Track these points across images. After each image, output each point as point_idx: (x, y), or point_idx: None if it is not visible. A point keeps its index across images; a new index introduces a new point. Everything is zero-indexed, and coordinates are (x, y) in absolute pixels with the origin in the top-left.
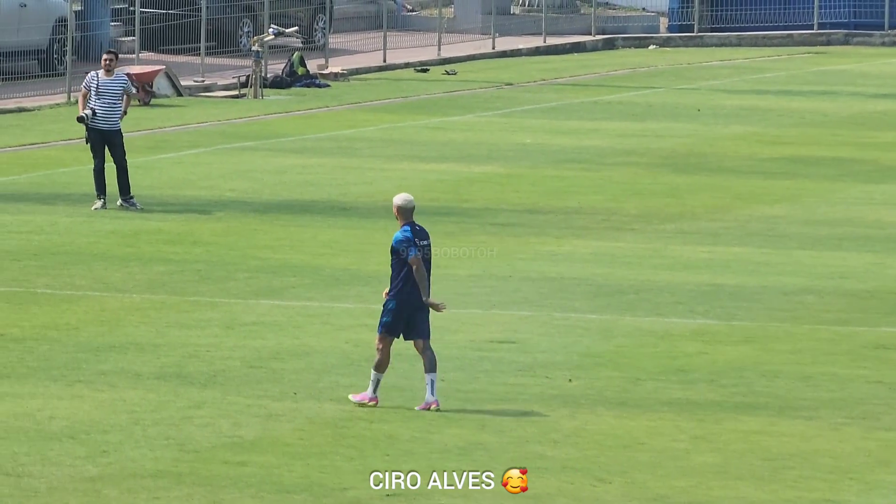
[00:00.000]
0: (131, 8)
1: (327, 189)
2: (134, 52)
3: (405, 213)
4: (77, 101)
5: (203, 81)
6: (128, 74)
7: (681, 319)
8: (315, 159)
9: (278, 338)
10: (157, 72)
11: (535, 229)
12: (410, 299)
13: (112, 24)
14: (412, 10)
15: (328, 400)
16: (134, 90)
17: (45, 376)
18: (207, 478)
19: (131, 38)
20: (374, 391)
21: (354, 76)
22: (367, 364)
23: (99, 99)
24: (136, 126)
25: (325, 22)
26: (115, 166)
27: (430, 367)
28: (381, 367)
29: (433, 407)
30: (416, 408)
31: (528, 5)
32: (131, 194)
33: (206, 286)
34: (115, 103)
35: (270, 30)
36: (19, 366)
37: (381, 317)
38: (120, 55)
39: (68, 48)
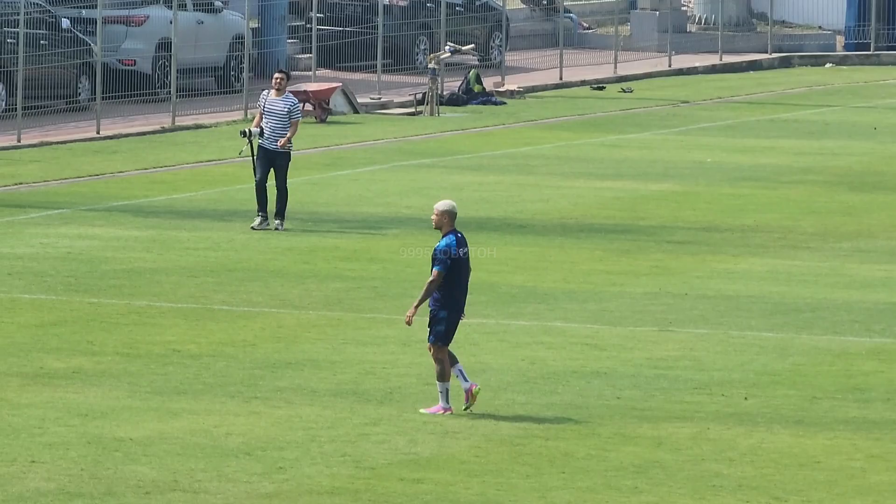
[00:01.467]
0: (308, 25)
1: (503, 206)
2: (311, 70)
3: (453, 218)
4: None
5: (379, 99)
6: (305, 92)
7: (857, 338)
8: (491, 176)
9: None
10: (333, 89)
11: (711, 247)
12: (459, 306)
13: (289, 41)
14: (588, 28)
15: (504, 417)
16: (299, 116)
17: (222, 393)
18: (383, 495)
19: (308, 55)
20: (447, 401)
21: (530, 94)
22: (543, 382)
23: (267, 118)
24: (312, 143)
25: (501, 39)
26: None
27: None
28: (445, 376)
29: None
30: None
31: (705, 23)
32: (284, 218)
33: (382, 303)
34: (281, 123)
35: (447, 47)
36: (196, 382)
37: (435, 326)
38: (296, 72)
39: (245, 65)
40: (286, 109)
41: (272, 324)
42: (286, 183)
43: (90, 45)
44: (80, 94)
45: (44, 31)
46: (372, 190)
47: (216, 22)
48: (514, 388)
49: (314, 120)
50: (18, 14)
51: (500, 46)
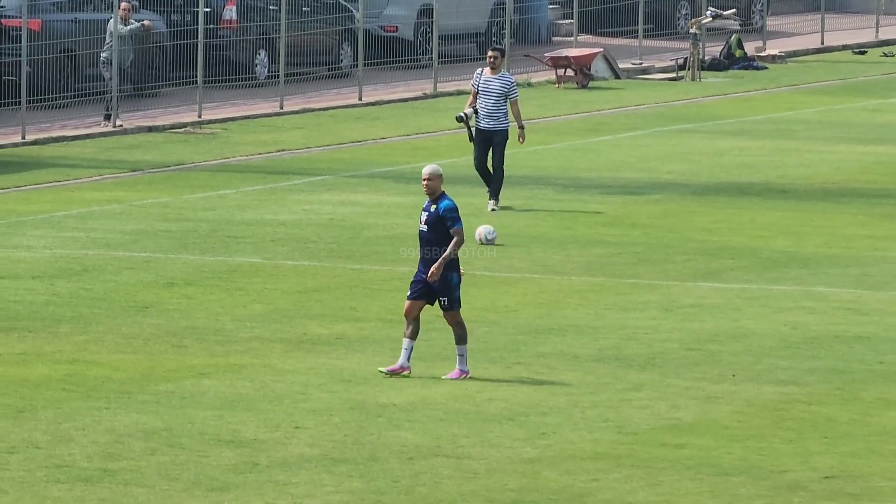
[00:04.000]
0: None
1: (765, 171)
2: (572, 35)
3: (442, 181)
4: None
5: (641, 64)
6: (567, 57)
7: None
8: (752, 142)
9: (716, 320)
10: (595, 54)
11: None
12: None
13: (550, 6)
14: None
15: (766, 382)
16: (517, 95)
17: (485, 358)
18: (646, 460)
19: (569, 21)
20: (466, 364)
21: (792, 58)
22: (805, 346)
23: (482, 97)
24: (573, 109)
25: (762, 4)
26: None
27: (413, 335)
28: (465, 339)
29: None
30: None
31: None
32: (499, 199)
33: (643, 268)
34: (497, 102)
35: (708, 12)
36: None
37: (452, 294)
38: (558, 38)
39: (506, 31)
40: (501, 89)
41: (534, 289)
42: (503, 162)
43: (352, 11)
44: (342, 61)
45: None
46: (633, 155)
47: None
48: (776, 353)
49: (575, 85)
50: None
51: (762, 11)
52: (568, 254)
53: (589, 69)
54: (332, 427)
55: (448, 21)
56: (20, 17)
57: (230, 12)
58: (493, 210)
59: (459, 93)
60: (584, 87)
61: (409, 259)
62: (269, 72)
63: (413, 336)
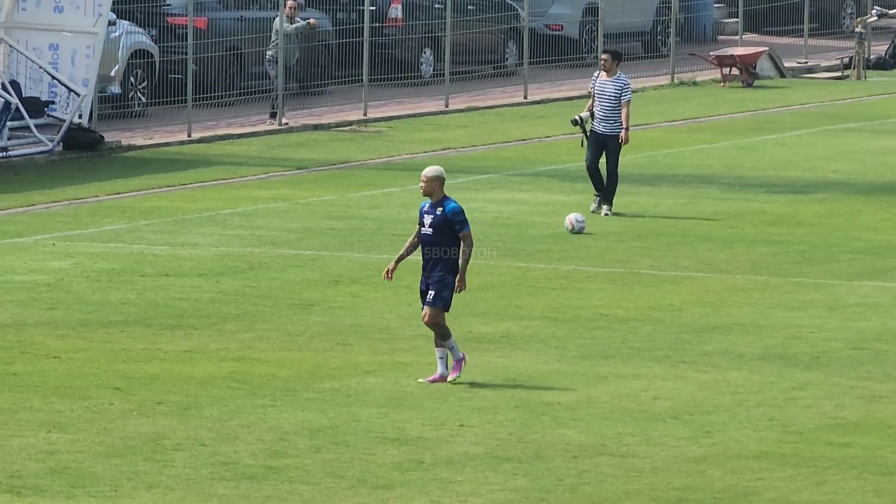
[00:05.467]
0: None
1: None
2: (737, 34)
3: (443, 183)
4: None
5: (806, 63)
6: (732, 56)
7: None
8: None
9: (882, 319)
10: (760, 53)
11: None
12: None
13: (716, 5)
14: None
15: None
16: (629, 97)
17: (649, 357)
18: (811, 459)
19: (735, 19)
20: (446, 367)
21: None
22: None
23: (598, 100)
24: (738, 107)
25: None
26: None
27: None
28: (448, 336)
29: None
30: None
31: None
32: (612, 204)
33: (809, 267)
34: (611, 106)
35: (874, 11)
36: (623, 346)
37: (442, 291)
38: (723, 36)
39: (671, 30)
40: (616, 91)
41: (699, 288)
42: (617, 167)
43: (517, 10)
44: (507, 59)
45: None
46: (798, 154)
47: None
48: None
49: (740, 84)
50: None
51: None
52: (733, 252)
53: (754, 68)
54: (496, 425)
55: (613, 19)
56: (186, 16)
57: (396, 10)
58: (605, 215)
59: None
60: (750, 85)
61: (574, 257)
62: (434, 70)
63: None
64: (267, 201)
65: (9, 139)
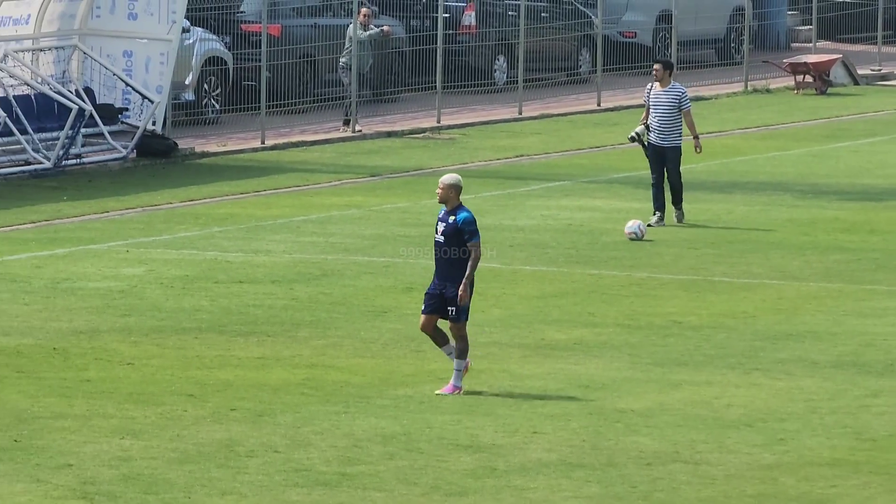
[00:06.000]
0: None
1: None
2: (811, 41)
3: (459, 192)
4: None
5: (880, 70)
6: (805, 63)
7: None
8: None
9: None
10: (833, 61)
11: None
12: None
13: (789, 13)
14: None
15: None
16: (689, 105)
17: (722, 364)
18: (884, 466)
19: (808, 27)
20: (460, 380)
21: None
22: None
23: (653, 112)
24: (812, 115)
25: None
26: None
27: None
28: (466, 354)
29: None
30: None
31: None
32: (663, 215)
33: (882, 275)
34: (667, 117)
35: None
36: (696, 353)
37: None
38: (797, 44)
39: (745, 37)
40: (672, 102)
41: (772, 295)
42: (680, 177)
43: (591, 17)
44: (580, 66)
45: (545, 4)
46: (872, 161)
47: None
48: None
49: (814, 91)
50: None
51: None
52: (806, 260)
53: (828, 75)
54: (569, 432)
55: (687, 27)
56: (260, 23)
57: (469, 18)
58: (679, 221)
59: (698, 98)
60: (823, 93)
61: (647, 264)
62: (507, 77)
63: (445, 345)
64: (340, 208)
65: (83, 146)
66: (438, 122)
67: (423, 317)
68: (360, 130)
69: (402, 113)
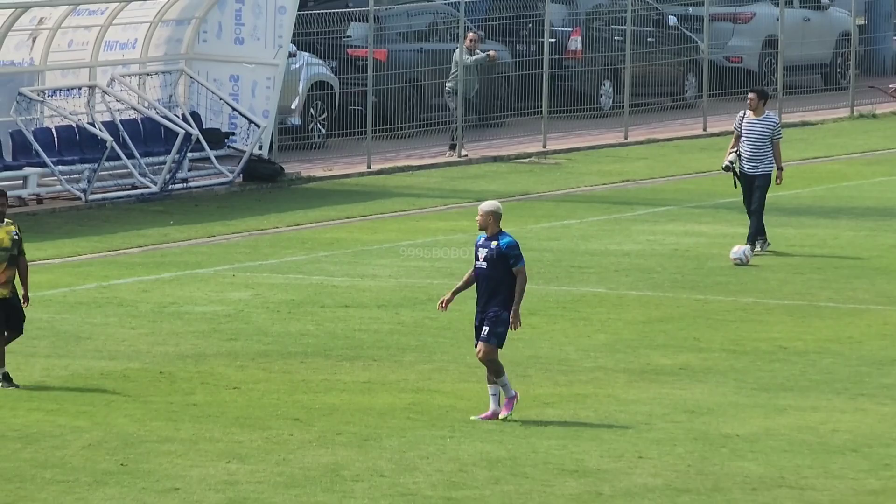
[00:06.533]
0: None
1: None
2: None
3: (499, 219)
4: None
5: None
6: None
7: None
8: None
9: None
10: None
11: None
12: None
13: (895, 38)
14: None
15: None
16: (781, 136)
17: (828, 389)
18: None
19: None
20: (498, 404)
21: None
22: None
23: (745, 141)
24: None
25: None
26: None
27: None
28: (501, 374)
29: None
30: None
31: None
32: (766, 238)
33: None
34: (759, 146)
35: None
36: (802, 379)
37: (497, 327)
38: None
39: (851, 62)
40: (765, 131)
41: (878, 320)
42: (763, 206)
43: (697, 42)
44: (686, 91)
45: (650, 29)
46: None
47: (823, 19)
48: None
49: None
50: (626, 12)
51: None
52: None
53: None
54: (675, 457)
55: (793, 52)
56: (367, 48)
57: (575, 43)
58: (762, 249)
59: (804, 123)
60: None
61: (753, 289)
62: (613, 102)
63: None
64: (446, 233)
65: (189, 170)
66: (544, 146)
67: (478, 345)
68: (466, 155)
69: (508, 138)
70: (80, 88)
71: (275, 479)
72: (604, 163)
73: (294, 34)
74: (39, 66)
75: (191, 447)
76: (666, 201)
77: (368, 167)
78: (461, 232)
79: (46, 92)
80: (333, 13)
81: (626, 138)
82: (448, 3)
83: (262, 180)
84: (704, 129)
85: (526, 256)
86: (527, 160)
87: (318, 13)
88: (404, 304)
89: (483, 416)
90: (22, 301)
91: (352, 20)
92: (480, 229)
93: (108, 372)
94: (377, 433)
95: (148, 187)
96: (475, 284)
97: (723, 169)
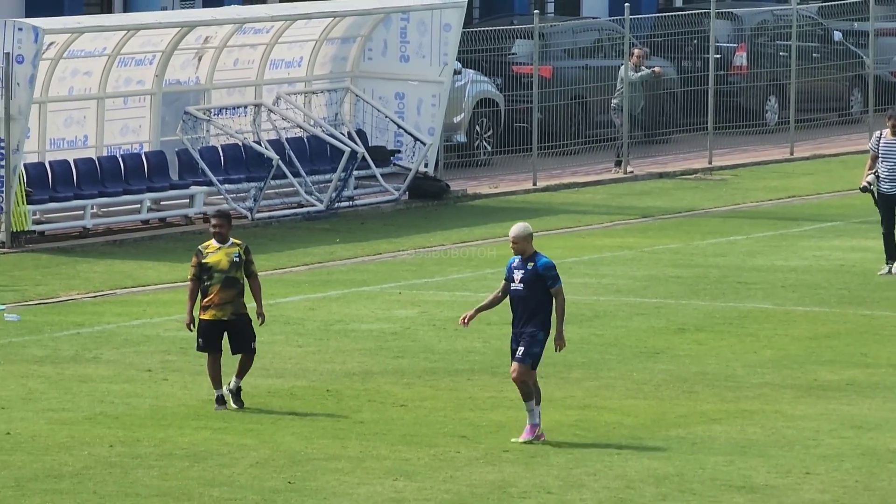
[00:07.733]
0: None
1: None
2: None
3: (531, 240)
4: None
5: None
6: None
7: None
8: None
9: None
10: None
11: None
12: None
13: None
14: None
15: None
16: None
17: None
18: None
19: None
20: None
21: None
22: None
23: (883, 160)
24: None
25: None
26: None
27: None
28: (531, 395)
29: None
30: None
31: None
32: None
33: None
34: None
35: None
36: None
37: (532, 347)
38: None
39: None
40: None
41: None
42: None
43: (862, 57)
44: (851, 107)
45: (816, 44)
46: None
47: None
48: None
49: None
50: (791, 27)
51: None
52: None
53: None
54: (843, 473)
55: None
56: (532, 65)
57: (741, 58)
58: (888, 273)
59: None
60: None
61: None
62: (779, 118)
63: (536, 399)
64: (612, 249)
65: (355, 188)
66: (710, 162)
67: (513, 364)
68: (632, 171)
69: (674, 154)
70: (245, 107)
71: (442, 497)
72: (769, 178)
73: (459, 51)
74: (205, 85)
75: (358, 465)
76: (832, 217)
77: (534, 184)
78: (627, 248)
79: (212, 111)
80: (498, 30)
81: (791, 154)
82: (613, 20)
83: (428, 198)
84: None
85: (692, 272)
86: (692, 176)
87: (483, 30)
88: (570, 320)
89: (523, 437)
90: (257, 317)
91: (517, 37)
92: (517, 254)
93: (275, 390)
94: (544, 450)
95: (314, 205)
96: (511, 306)
97: (860, 190)
